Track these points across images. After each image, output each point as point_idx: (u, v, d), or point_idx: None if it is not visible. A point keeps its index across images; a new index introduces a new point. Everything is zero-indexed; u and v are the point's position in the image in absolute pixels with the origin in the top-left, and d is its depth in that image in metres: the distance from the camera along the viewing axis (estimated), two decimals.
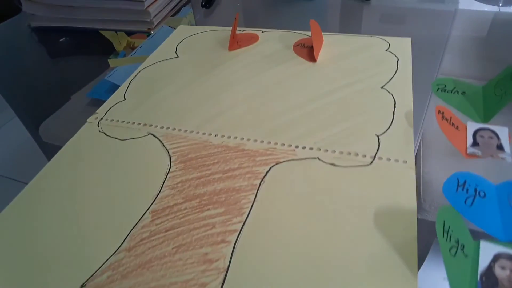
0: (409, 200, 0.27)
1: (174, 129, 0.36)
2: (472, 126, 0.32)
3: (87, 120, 0.38)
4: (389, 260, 0.23)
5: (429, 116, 0.38)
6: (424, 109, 0.39)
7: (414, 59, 0.41)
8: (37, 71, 0.58)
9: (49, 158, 0.35)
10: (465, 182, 0.27)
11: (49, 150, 0.39)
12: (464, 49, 0.68)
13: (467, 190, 0.26)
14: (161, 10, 0.56)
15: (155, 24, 0.54)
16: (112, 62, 0.49)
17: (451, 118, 0.32)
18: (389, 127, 0.33)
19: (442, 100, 0.36)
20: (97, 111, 0.39)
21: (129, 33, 0.55)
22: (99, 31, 0.55)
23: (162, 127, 0.36)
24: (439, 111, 0.32)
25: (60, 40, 0.58)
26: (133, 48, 0.52)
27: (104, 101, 0.41)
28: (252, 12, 0.63)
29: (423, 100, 0.39)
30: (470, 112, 0.34)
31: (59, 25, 0.59)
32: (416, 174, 0.29)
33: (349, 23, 0.55)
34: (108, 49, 0.54)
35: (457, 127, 0.32)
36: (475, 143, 0.31)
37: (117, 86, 0.43)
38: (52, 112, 0.48)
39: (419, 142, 0.38)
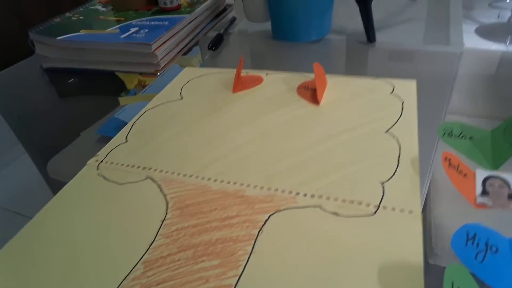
0: (415, 254, 0.25)
1: (174, 173, 0.35)
2: (481, 174, 0.30)
3: (87, 163, 0.38)
4: None
5: (438, 158, 0.37)
6: (433, 150, 0.38)
7: (421, 99, 0.41)
8: (49, 109, 0.59)
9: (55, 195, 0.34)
10: (475, 235, 0.25)
11: (56, 187, 0.39)
12: (472, 88, 0.67)
13: (478, 244, 0.25)
14: (168, 52, 0.57)
15: (162, 66, 0.55)
16: (122, 100, 0.50)
17: (458, 165, 0.31)
18: (393, 174, 0.32)
19: (448, 145, 0.35)
20: (97, 153, 0.39)
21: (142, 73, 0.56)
22: (119, 72, 0.56)
23: (161, 171, 0.35)
24: (445, 158, 0.31)
25: (69, 81, 0.59)
26: (143, 86, 0.53)
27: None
28: (258, 54, 0.64)
29: (431, 140, 0.38)
30: (478, 158, 0.32)
31: (69, 66, 0.60)
32: (426, 217, 0.27)
33: (355, 65, 0.55)
34: (120, 88, 0.55)
35: (465, 175, 0.30)
36: (484, 192, 0.29)
37: (126, 124, 0.43)
38: (61, 149, 0.48)
39: (428, 184, 0.37)
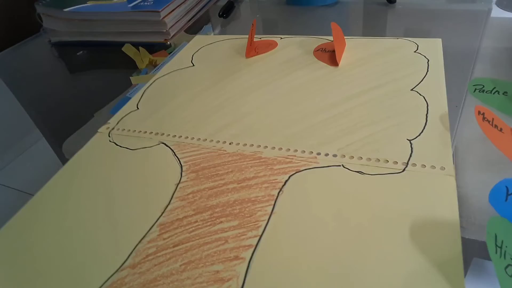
0: (451, 212, 0.23)
1: (187, 137, 0.33)
2: None
3: (98, 130, 0.37)
4: (431, 282, 0.20)
5: (462, 124, 0.35)
6: (457, 116, 0.35)
7: (446, 62, 0.38)
8: (60, 87, 0.57)
9: None
10: None
11: None
12: (497, 57, 0.63)
13: None
14: (178, 21, 0.55)
15: (172, 35, 0.53)
16: (134, 79, 0.49)
17: (493, 119, 0.28)
18: (422, 131, 0.30)
19: (480, 101, 0.32)
20: (108, 121, 0.38)
21: (150, 49, 0.54)
22: (122, 49, 0.55)
23: (174, 136, 0.34)
24: (479, 112, 0.28)
25: (78, 53, 0.58)
26: (155, 66, 0.52)
27: None
28: (270, 20, 0.61)
29: (454, 106, 0.35)
30: None
31: (77, 39, 0.59)
32: None
33: (374, 28, 0.52)
34: (131, 66, 0.53)
35: (500, 129, 0.28)
36: None
37: None
38: (76, 130, 0.47)
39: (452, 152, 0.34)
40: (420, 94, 0.34)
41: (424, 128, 0.30)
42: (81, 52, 0.58)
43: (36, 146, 1.42)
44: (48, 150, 0.59)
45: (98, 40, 0.57)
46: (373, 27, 0.53)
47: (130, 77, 0.49)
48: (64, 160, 0.50)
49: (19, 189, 1.31)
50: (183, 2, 0.56)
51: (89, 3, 0.58)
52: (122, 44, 0.56)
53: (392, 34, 0.51)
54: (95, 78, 0.58)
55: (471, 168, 0.48)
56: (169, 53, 0.53)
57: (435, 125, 0.30)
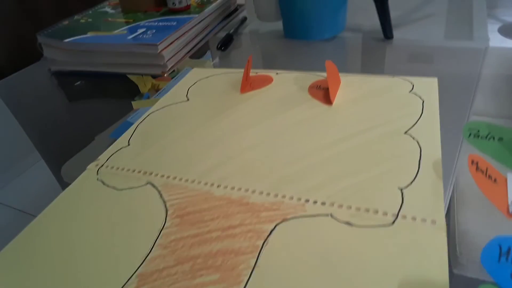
0: (440, 270, 0.22)
1: (175, 178, 0.33)
2: None
3: (87, 167, 0.37)
4: None
5: (462, 160, 0.34)
6: (457, 152, 0.35)
7: (443, 100, 0.38)
8: (60, 113, 0.58)
9: None
10: (509, 249, 0.22)
11: None
12: (498, 87, 0.63)
13: None
14: (176, 53, 0.55)
15: (169, 67, 0.54)
16: (135, 104, 0.50)
17: (487, 169, 0.27)
18: (414, 179, 0.29)
19: (475, 148, 0.31)
20: (98, 157, 0.38)
21: (153, 76, 0.55)
22: (126, 74, 0.55)
23: (162, 176, 0.33)
24: (472, 161, 0.28)
25: (76, 84, 0.58)
26: (157, 90, 0.52)
27: None
28: (269, 54, 0.61)
29: (455, 142, 0.35)
30: (509, 162, 0.29)
31: (77, 69, 0.59)
32: (450, 223, 0.24)
33: (371, 63, 0.52)
34: (132, 91, 0.54)
35: (495, 180, 0.27)
36: None
37: None
38: (75, 153, 0.48)
39: (451, 188, 0.33)
40: (413, 138, 0.33)
41: (416, 175, 0.29)
42: (78, 82, 0.58)
43: (35, 168, 1.43)
44: (47, 172, 0.59)
45: (98, 70, 0.57)
46: (370, 62, 0.53)
47: (132, 102, 0.49)
48: (62, 183, 0.50)
49: (18, 208, 1.32)
50: (183, 35, 0.56)
51: (89, 34, 0.58)
52: (121, 75, 0.56)
53: (388, 69, 0.51)
54: (95, 105, 0.58)
55: (472, 203, 0.47)
56: (172, 78, 0.54)
57: (428, 173, 0.29)
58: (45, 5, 1.18)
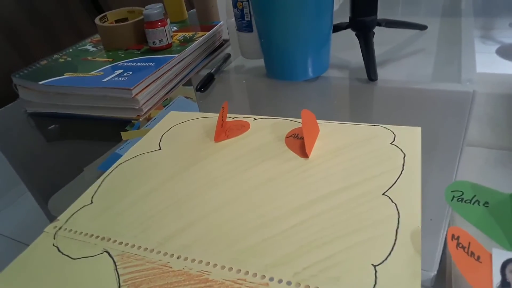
0: None
1: (134, 246, 0.30)
2: (499, 256, 0.24)
3: (45, 230, 0.34)
4: None
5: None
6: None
7: (426, 148, 0.36)
8: (39, 154, 0.56)
9: None
10: None
11: None
12: (493, 116, 0.60)
13: None
14: (153, 96, 0.53)
15: (144, 111, 0.52)
16: (124, 135, 0.48)
17: (469, 244, 0.25)
18: (389, 253, 0.26)
19: (458, 214, 0.29)
20: (58, 218, 0.35)
21: (120, 121, 0.53)
22: (102, 118, 0.54)
23: (121, 243, 0.31)
24: (452, 236, 0.25)
25: (49, 127, 0.56)
26: (148, 120, 0.51)
27: None
28: (251, 95, 0.59)
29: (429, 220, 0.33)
30: (495, 234, 0.26)
31: (53, 111, 0.57)
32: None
33: (353, 107, 0.50)
34: (114, 133, 0.52)
35: (478, 258, 0.24)
36: (504, 283, 0.23)
37: None
38: (62, 187, 0.46)
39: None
40: (392, 201, 0.30)
41: (392, 249, 0.26)
42: (53, 126, 0.56)
43: (20, 200, 1.41)
44: (34, 205, 0.56)
45: (73, 113, 0.56)
46: (353, 105, 0.51)
47: (121, 133, 0.48)
48: (49, 215, 0.48)
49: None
50: (161, 76, 0.55)
51: (66, 75, 0.57)
52: (97, 118, 0.54)
53: (371, 112, 0.49)
54: (74, 146, 0.56)
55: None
56: (164, 106, 0.52)
57: (405, 245, 0.26)
58: (26, 41, 1.17)
